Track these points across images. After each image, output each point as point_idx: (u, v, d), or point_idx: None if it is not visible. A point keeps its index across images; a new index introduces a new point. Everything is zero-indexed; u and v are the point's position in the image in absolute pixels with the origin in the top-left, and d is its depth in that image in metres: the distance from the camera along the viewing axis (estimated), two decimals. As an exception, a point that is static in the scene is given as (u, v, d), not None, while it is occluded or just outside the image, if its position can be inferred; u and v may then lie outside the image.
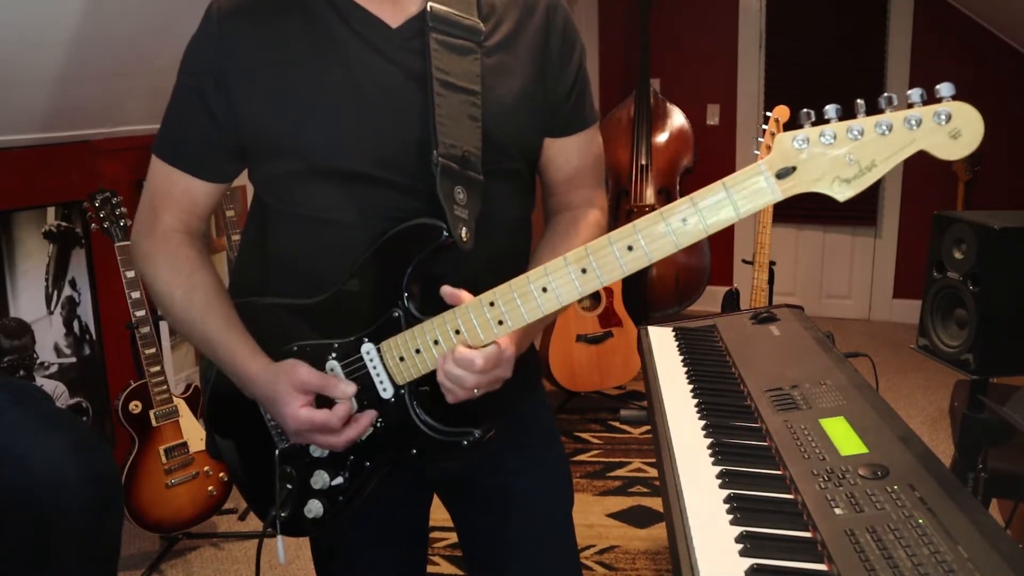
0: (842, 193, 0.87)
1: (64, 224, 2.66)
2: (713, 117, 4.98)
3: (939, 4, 4.32)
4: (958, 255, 1.71)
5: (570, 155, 1.21)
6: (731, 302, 3.47)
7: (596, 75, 5.14)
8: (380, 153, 1.05)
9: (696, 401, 1.39)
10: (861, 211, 4.76)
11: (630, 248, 0.94)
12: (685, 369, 1.56)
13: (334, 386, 1.06)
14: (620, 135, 4.41)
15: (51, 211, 2.62)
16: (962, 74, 4.33)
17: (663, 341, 1.75)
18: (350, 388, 1.07)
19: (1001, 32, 4.28)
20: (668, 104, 4.46)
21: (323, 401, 1.08)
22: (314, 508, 1.13)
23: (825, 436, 1.18)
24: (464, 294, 1.02)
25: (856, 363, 1.52)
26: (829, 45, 4.66)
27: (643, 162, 4.36)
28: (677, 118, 4.44)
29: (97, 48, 2.19)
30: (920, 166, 5.13)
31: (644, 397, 2.95)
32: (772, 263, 3.12)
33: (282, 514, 1.12)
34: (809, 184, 0.87)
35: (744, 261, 3.17)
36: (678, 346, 1.70)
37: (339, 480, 1.12)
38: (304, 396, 1.06)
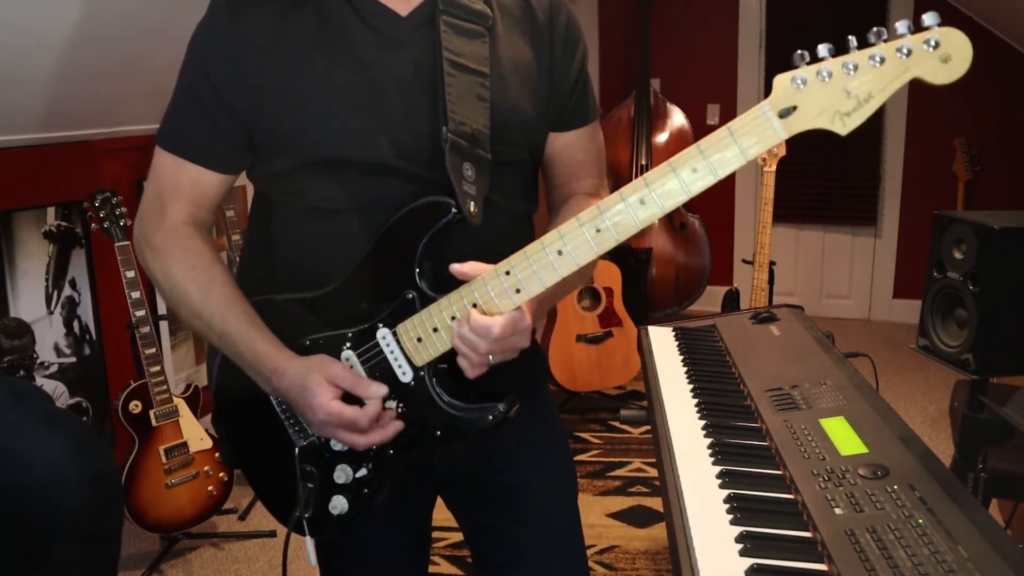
0: (843, 127, 0.90)
1: (64, 224, 2.66)
2: (713, 117, 4.98)
3: (939, 4, 4.32)
4: (958, 255, 1.71)
5: (574, 149, 1.22)
6: (731, 302, 3.47)
7: (596, 75, 5.14)
8: (391, 143, 1.05)
9: (696, 401, 1.39)
10: (861, 211, 4.76)
11: (642, 202, 0.96)
12: (685, 369, 1.56)
13: (366, 386, 1.05)
14: (620, 135, 4.41)
15: (51, 211, 2.62)
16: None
17: (663, 341, 1.75)
18: (381, 389, 1.06)
19: (1001, 32, 4.28)
20: (668, 104, 4.46)
21: (350, 400, 1.07)
22: (339, 504, 1.12)
23: (825, 436, 1.18)
24: (473, 265, 1.02)
25: (856, 363, 1.52)
26: (829, 45, 4.66)
27: (643, 162, 4.36)
28: (677, 118, 4.44)
29: (97, 48, 2.19)
30: (920, 166, 5.11)
31: (644, 397, 2.95)
32: (772, 263, 3.13)
33: (306, 515, 1.11)
34: (810, 121, 0.90)
35: (744, 261, 3.18)
36: (678, 346, 1.70)
37: (363, 472, 1.11)
38: (335, 389, 1.05)
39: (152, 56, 2.40)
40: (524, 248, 1.00)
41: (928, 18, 0.85)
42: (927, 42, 0.85)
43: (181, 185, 1.12)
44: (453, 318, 1.03)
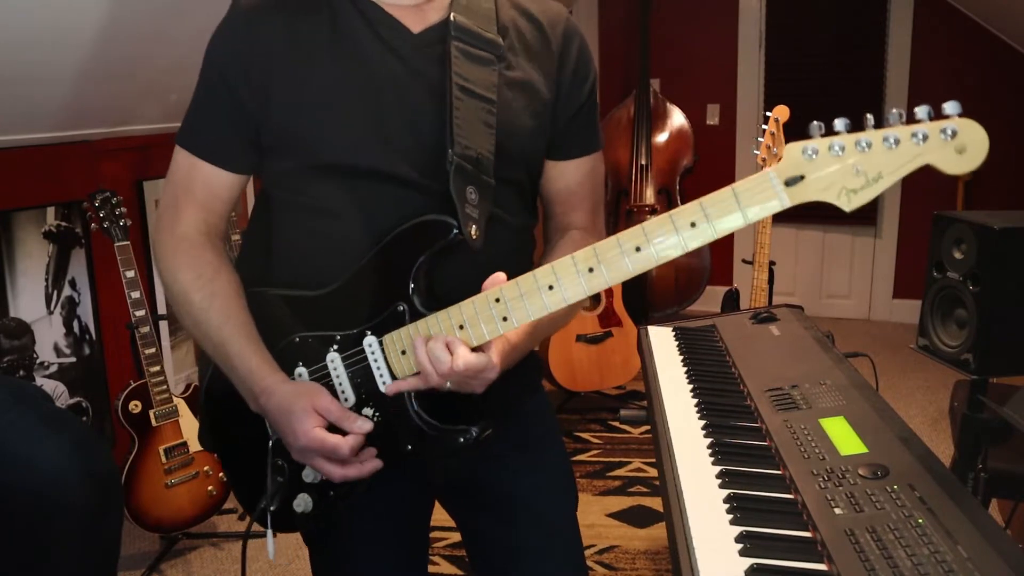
0: (848, 203, 0.89)
1: (64, 224, 2.66)
2: (713, 117, 4.98)
3: (939, 4, 4.31)
4: (958, 255, 1.71)
5: (570, 178, 1.22)
6: (731, 302, 3.47)
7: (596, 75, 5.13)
8: (394, 151, 1.06)
9: (696, 401, 1.39)
10: (861, 211, 4.73)
11: (638, 249, 0.96)
12: (685, 369, 1.56)
13: (352, 420, 1.06)
14: (620, 135, 4.41)
15: (51, 211, 2.61)
16: (962, 74, 4.33)
17: (663, 341, 1.75)
18: (366, 425, 1.06)
19: (1001, 32, 4.28)
20: (668, 104, 4.46)
21: (334, 431, 1.07)
22: (303, 502, 1.13)
23: (825, 436, 1.18)
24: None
25: (856, 363, 1.52)
26: (829, 45, 4.66)
27: (643, 162, 4.36)
28: (677, 118, 4.44)
29: (98, 48, 2.19)
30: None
31: (644, 397, 2.95)
32: (772, 263, 3.12)
33: (271, 508, 1.12)
34: (817, 193, 0.90)
35: (744, 261, 3.18)
36: (678, 346, 1.70)
37: None
38: (320, 419, 1.06)
39: (153, 57, 2.40)
40: (516, 279, 1.01)
41: (949, 107, 0.84)
42: (944, 131, 0.84)
43: (194, 187, 1.15)
44: None
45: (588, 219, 1.25)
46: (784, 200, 0.90)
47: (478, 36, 1.10)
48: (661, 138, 4.42)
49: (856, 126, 0.88)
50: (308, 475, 1.12)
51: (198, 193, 1.15)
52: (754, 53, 4.83)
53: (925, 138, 0.85)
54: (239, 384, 1.11)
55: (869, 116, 0.87)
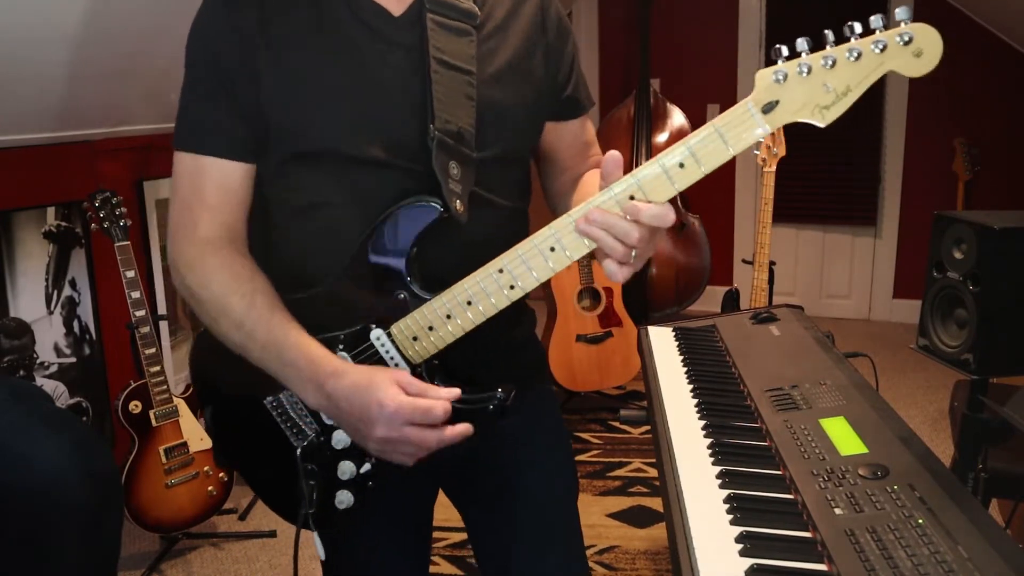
0: (823, 119, 0.92)
1: (64, 224, 2.66)
2: (713, 117, 4.98)
3: (939, 4, 4.31)
4: (958, 255, 1.71)
5: (578, 133, 1.28)
6: (731, 302, 3.47)
7: (596, 75, 5.14)
8: (380, 137, 1.06)
9: (696, 401, 1.39)
10: (861, 211, 4.76)
11: (631, 198, 0.97)
12: (685, 369, 1.56)
13: (436, 390, 1.02)
14: (620, 135, 4.41)
15: (51, 211, 2.61)
16: (962, 74, 4.33)
17: (663, 341, 1.75)
18: (454, 392, 1.02)
19: (1001, 32, 4.28)
20: (668, 104, 4.45)
21: None
22: (345, 499, 1.12)
23: (825, 436, 1.18)
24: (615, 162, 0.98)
25: (856, 363, 1.52)
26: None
27: (643, 162, 4.36)
28: (677, 118, 4.44)
29: (98, 48, 2.19)
30: (920, 166, 5.09)
31: (644, 397, 2.95)
32: (772, 263, 3.12)
33: (311, 511, 1.11)
34: (792, 114, 0.93)
35: (744, 261, 3.18)
36: (678, 346, 1.70)
37: (367, 467, 1.11)
38: (402, 389, 1.02)
39: (153, 57, 2.40)
40: (516, 246, 1.01)
41: (900, 12, 0.88)
42: (901, 36, 0.88)
43: (205, 190, 1.08)
44: (449, 316, 1.03)
45: (599, 159, 1.26)
46: (764, 127, 0.93)
47: (454, 7, 1.09)
48: (661, 138, 4.41)
49: (817, 44, 0.92)
50: (344, 473, 1.11)
51: (210, 195, 1.08)
52: (754, 53, 4.83)
53: (884, 47, 0.88)
54: (295, 376, 1.05)
55: (828, 32, 0.91)
